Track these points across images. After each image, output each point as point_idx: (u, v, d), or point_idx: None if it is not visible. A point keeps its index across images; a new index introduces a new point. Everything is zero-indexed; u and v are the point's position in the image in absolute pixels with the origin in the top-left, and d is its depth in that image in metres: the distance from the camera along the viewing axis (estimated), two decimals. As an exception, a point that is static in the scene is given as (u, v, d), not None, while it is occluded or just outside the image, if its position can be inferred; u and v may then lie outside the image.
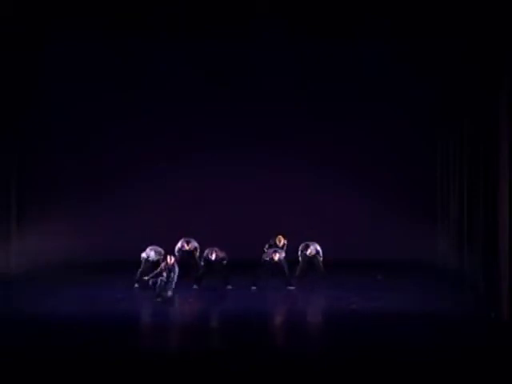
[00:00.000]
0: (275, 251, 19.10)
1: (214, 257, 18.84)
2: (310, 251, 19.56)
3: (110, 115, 24.15)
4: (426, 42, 19.03)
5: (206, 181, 24.47)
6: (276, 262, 18.91)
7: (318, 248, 19.72)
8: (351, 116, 24.34)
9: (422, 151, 24.30)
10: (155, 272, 17.77)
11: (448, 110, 21.81)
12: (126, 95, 23.79)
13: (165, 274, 17.41)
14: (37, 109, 22.59)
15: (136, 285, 19.06)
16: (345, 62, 22.30)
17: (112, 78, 22.90)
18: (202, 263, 19.20)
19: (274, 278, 19.14)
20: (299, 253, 19.74)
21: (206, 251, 19.05)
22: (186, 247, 19.85)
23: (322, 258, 19.68)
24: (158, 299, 17.07)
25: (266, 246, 20.12)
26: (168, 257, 17.79)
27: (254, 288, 18.87)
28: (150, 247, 19.41)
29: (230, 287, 18.97)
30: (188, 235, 20.12)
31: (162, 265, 17.71)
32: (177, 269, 17.56)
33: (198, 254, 19.83)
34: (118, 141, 24.56)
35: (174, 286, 17.39)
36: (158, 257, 19.21)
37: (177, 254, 19.60)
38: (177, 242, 20.07)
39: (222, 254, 19.04)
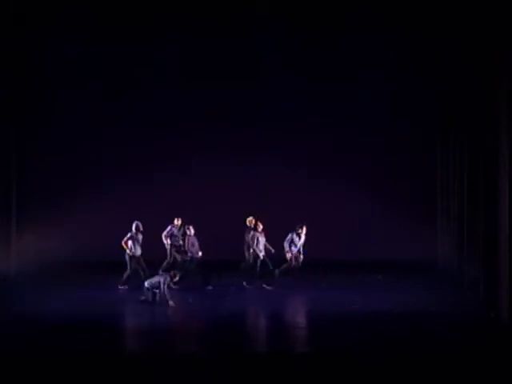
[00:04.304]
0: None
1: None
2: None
3: (109, 115, 24.12)
4: (426, 43, 19.05)
5: (205, 181, 24.45)
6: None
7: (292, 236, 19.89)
8: (351, 116, 24.31)
9: (422, 152, 24.29)
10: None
11: (448, 111, 21.80)
12: (126, 95, 23.77)
13: None
14: (37, 109, 22.57)
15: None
16: (345, 62, 22.29)
17: (111, 79, 22.88)
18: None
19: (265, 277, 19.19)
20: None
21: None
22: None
23: (288, 249, 19.66)
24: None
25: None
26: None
27: (245, 285, 19.00)
28: (133, 244, 19.31)
29: (210, 287, 19.00)
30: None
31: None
32: None
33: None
34: (118, 141, 24.54)
35: None
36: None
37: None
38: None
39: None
